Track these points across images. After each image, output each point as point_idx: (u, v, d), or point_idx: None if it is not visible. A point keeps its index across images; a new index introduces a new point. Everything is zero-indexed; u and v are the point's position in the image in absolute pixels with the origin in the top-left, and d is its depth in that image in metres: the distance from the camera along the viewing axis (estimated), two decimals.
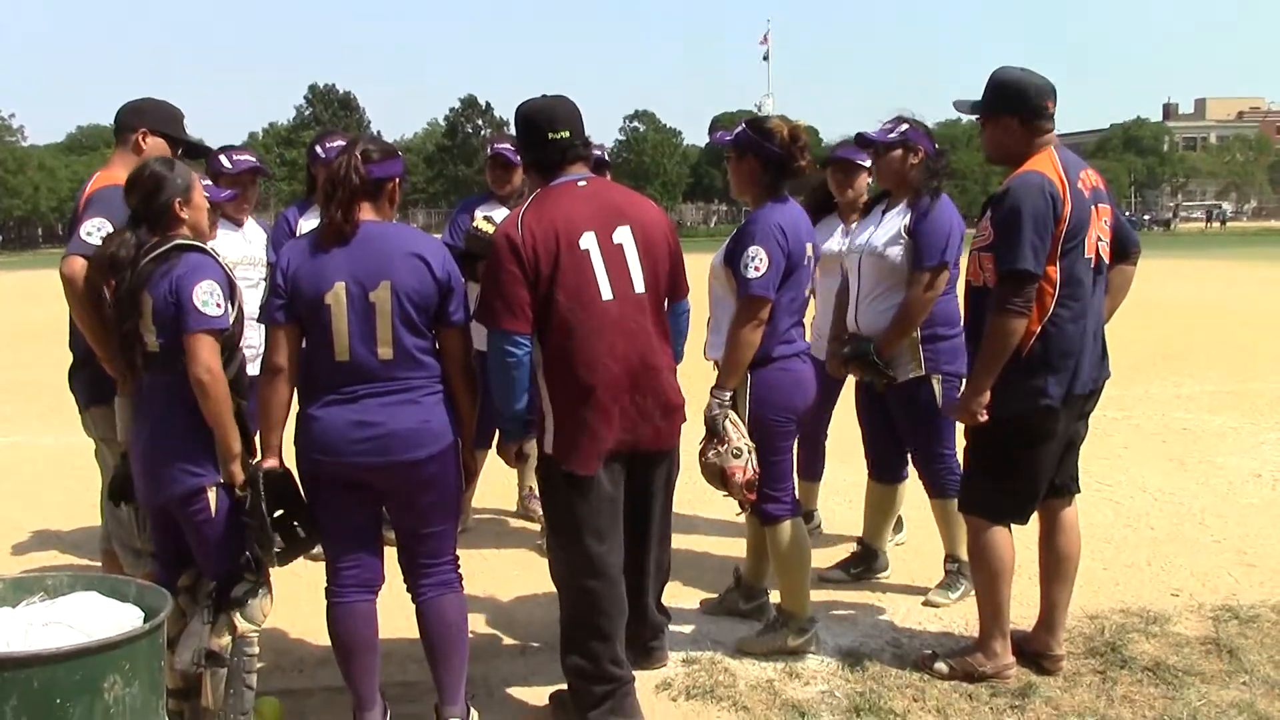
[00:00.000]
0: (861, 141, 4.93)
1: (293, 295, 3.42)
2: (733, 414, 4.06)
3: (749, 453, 4.04)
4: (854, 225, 5.20)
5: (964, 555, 4.84)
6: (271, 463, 3.50)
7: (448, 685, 3.64)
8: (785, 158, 4.12)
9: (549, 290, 3.56)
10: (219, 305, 3.41)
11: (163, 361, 3.45)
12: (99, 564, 5.25)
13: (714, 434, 4.05)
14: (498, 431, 3.89)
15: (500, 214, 5.35)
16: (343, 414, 3.43)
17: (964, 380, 4.28)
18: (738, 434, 4.04)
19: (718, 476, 4.06)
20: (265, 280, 5.33)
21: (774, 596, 4.55)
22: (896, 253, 4.72)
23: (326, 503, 3.54)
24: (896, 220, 4.77)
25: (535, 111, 3.74)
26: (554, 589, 3.90)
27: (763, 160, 4.15)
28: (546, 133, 3.68)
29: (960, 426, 4.11)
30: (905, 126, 4.77)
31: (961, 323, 4.77)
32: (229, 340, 3.52)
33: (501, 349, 3.58)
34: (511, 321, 3.55)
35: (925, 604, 4.86)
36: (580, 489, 3.67)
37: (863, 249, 4.83)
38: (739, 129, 4.26)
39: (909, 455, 5.01)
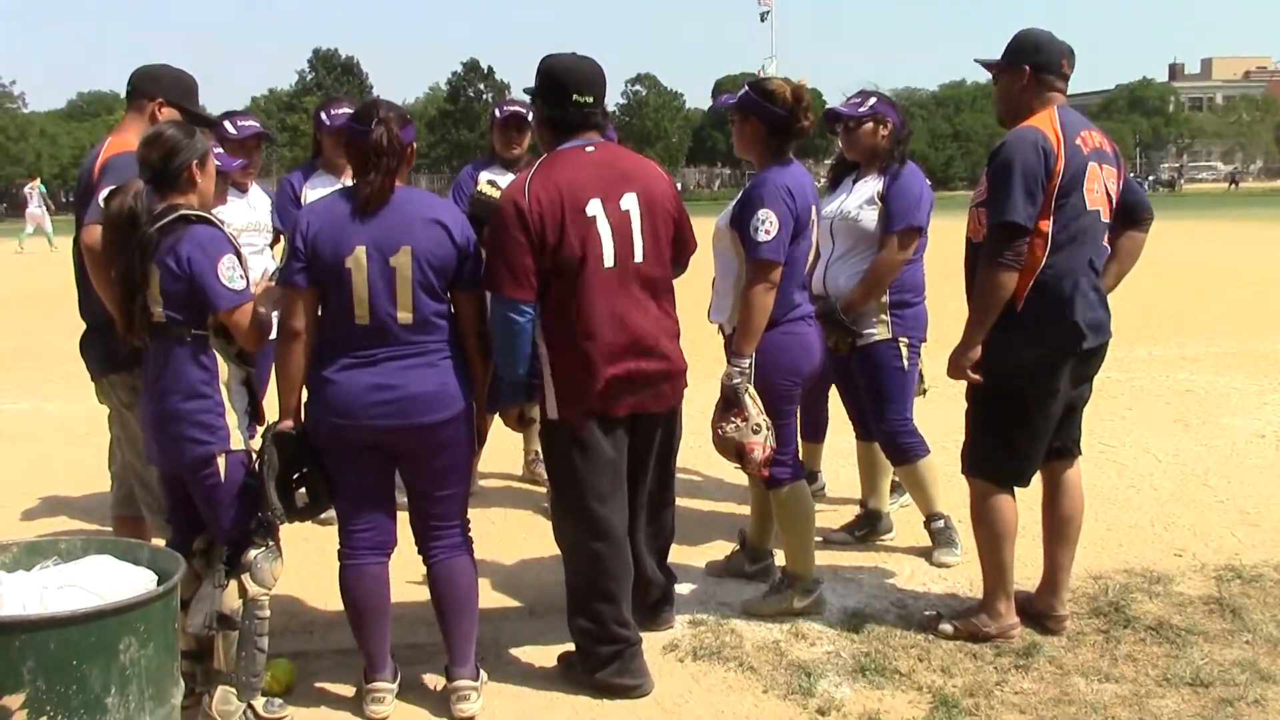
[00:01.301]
0: (831, 117, 4.98)
1: (312, 259, 3.44)
2: (751, 387, 4.06)
3: (767, 429, 4.03)
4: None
5: (942, 509, 4.97)
6: (287, 424, 3.53)
7: (458, 647, 3.69)
8: (789, 119, 4.12)
9: (553, 257, 3.57)
10: (242, 277, 3.44)
11: (170, 331, 3.46)
12: (110, 529, 5.29)
13: (733, 404, 4.03)
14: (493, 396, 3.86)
15: (505, 179, 5.34)
16: (361, 377, 3.46)
17: (943, 344, 4.34)
18: (757, 409, 4.03)
19: (733, 451, 4.06)
20: (270, 246, 5.34)
21: (779, 559, 4.58)
22: (870, 217, 4.81)
23: (341, 465, 3.57)
24: (868, 187, 4.86)
25: (564, 70, 3.72)
26: (560, 551, 3.93)
27: (767, 122, 4.14)
28: (572, 93, 3.67)
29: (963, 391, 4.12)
30: (874, 100, 4.89)
31: (924, 291, 4.96)
32: None
33: (506, 316, 3.59)
34: (516, 289, 3.56)
35: (936, 564, 4.90)
36: (583, 451, 3.70)
37: (834, 214, 4.89)
38: (742, 91, 4.26)
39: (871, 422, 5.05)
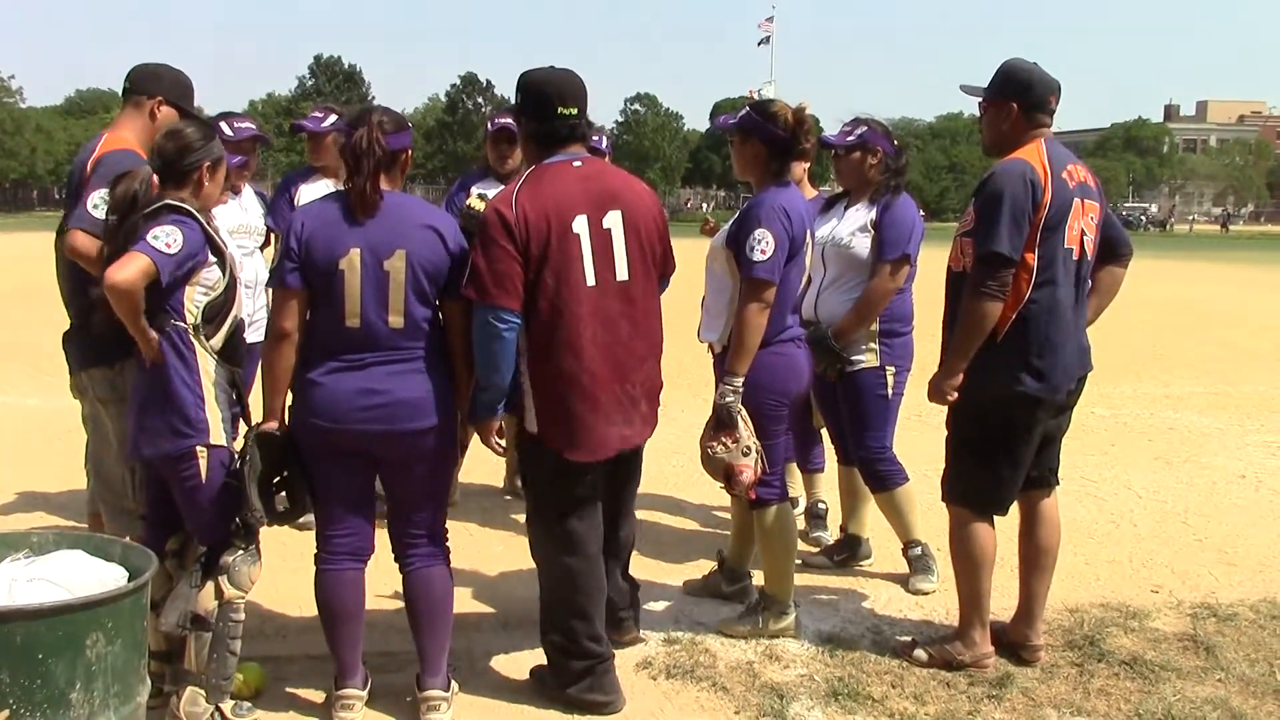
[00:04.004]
0: (821, 144, 5.00)
1: (306, 260, 3.43)
2: (743, 408, 4.05)
3: (757, 452, 4.03)
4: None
5: (920, 536, 4.98)
6: (272, 425, 3.50)
7: (431, 656, 3.67)
8: (790, 140, 4.13)
9: (538, 271, 3.56)
10: (168, 245, 3.32)
11: (151, 318, 3.42)
12: (85, 526, 5.25)
13: (725, 425, 4.02)
14: (474, 413, 3.73)
15: (495, 192, 5.32)
16: (349, 381, 3.45)
17: (921, 372, 4.39)
18: (748, 431, 4.02)
19: (721, 471, 4.05)
20: (260, 249, 5.33)
21: (757, 579, 4.57)
22: (863, 244, 4.82)
23: (324, 469, 3.55)
24: (860, 215, 4.88)
25: (547, 82, 3.71)
26: (535, 565, 3.92)
27: (767, 143, 4.14)
28: (557, 106, 3.65)
29: (943, 419, 4.13)
30: (863, 129, 4.90)
31: (913, 320, 4.98)
32: (222, 308, 3.51)
33: (488, 322, 3.52)
34: (502, 297, 3.52)
35: (912, 591, 4.89)
36: (561, 467, 3.69)
37: (826, 241, 4.89)
38: (743, 112, 4.26)
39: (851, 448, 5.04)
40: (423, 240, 3.48)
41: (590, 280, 3.61)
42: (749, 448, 4.01)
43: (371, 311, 3.43)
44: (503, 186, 5.30)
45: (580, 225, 3.59)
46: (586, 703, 3.75)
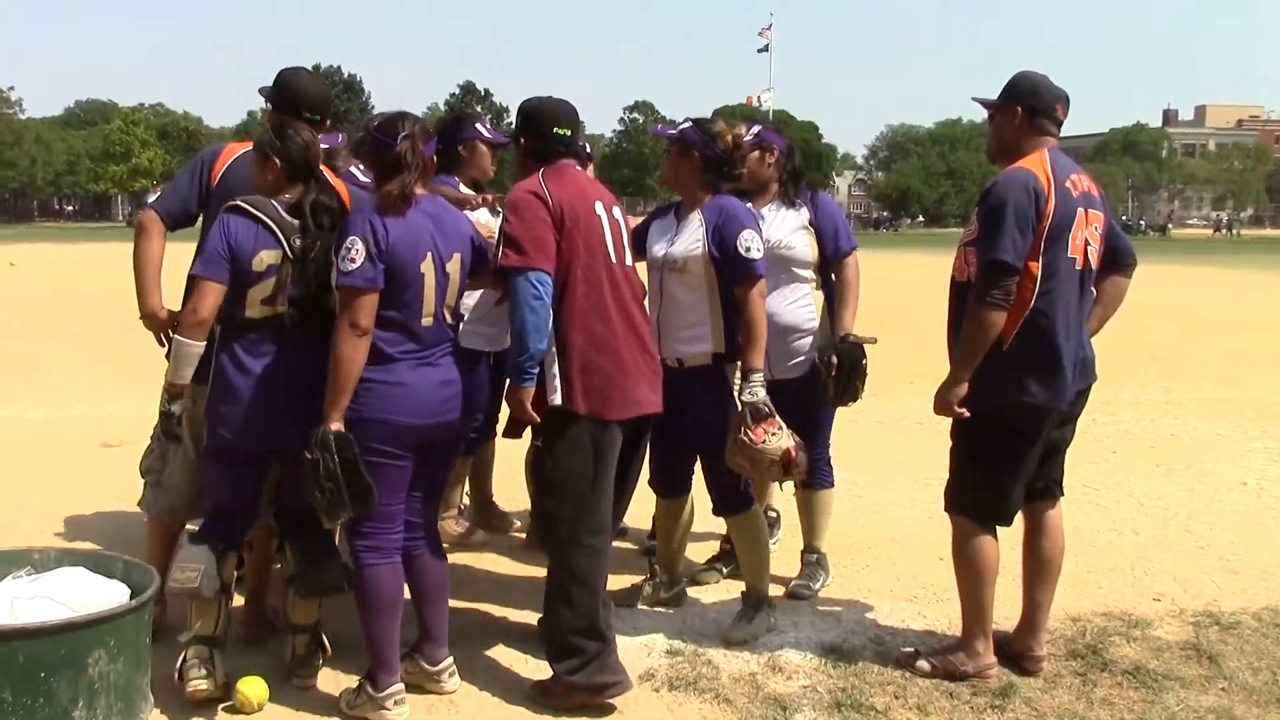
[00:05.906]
0: None
1: (392, 264, 3.55)
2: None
3: (794, 435, 4.18)
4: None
5: (823, 548, 5.05)
6: (338, 426, 3.49)
7: (438, 628, 3.88)
8: (726, 162, 4.33)
9: (571, 241, 3.77)
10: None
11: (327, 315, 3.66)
12: (85, 542, 5.27)
13: (764, 417, 4.13)
14: (512, 381, 3.80)
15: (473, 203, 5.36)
16: (430, 375, 3.66)
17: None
18: (779, 418, 4.16)
19: (777, 460, 4.13)
20: None
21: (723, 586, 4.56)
22: (804, 243, 4.83)
23: (393, 465, 3.63)
24: (786, 215, 4.87)
25: (544, 106, 4.00)
26: (534, 576, 3.92)
27: (705, 158, 4.31)
28: (553, 127, 3.94)
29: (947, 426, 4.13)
30: (758, 128, 4.92)
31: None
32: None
33: (530, 287, 3.66)
34: (541, 260, 3.69)
35: (788, 596, 4.85)
36: (601, 443, 3.81)
37: (765, 245, 4.70)
38: (685, 124, 4.41)
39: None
40: (467, 247, 3.78)
41: (614, 258, 3.89)
42: (791, 433, 4.17)
43: (440, 308, 3.68)
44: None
45: (600, 210, 3.91)
46: (596, 686, 3.78)
